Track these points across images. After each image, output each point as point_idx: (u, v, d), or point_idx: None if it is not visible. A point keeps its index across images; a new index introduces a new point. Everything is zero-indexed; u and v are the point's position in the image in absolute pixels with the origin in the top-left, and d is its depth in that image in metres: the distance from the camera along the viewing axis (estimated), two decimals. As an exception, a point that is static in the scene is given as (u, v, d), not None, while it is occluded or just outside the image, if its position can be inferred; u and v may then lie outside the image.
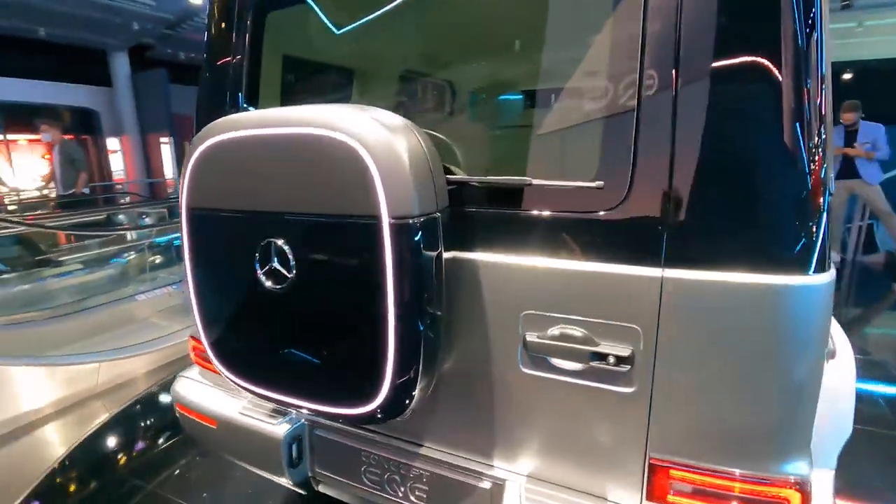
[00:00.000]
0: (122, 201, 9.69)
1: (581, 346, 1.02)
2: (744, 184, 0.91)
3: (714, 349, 0.94)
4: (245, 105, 1.48)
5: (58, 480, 2.35)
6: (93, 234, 5.60)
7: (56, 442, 2.69)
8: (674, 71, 0.92)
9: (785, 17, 0.86)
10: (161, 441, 2.66)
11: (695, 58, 0.91)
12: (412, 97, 1.50)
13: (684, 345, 0.96)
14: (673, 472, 1.02)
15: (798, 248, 0.89)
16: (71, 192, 6.11)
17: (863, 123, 5.42)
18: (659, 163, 0.94)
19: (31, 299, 4.40)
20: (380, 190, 0.96)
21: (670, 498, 1.03)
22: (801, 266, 0.88)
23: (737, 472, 0.97)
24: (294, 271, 1.09)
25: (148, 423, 2.94)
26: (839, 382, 1.41)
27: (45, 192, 8.02)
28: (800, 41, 0.86)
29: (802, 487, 0.95)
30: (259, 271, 1.13)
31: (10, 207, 8.25)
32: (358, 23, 1.42)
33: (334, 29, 1.44)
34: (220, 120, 1.17)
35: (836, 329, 1.78)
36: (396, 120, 1.06)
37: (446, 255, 1.09)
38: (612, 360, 1.00)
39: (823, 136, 0.90)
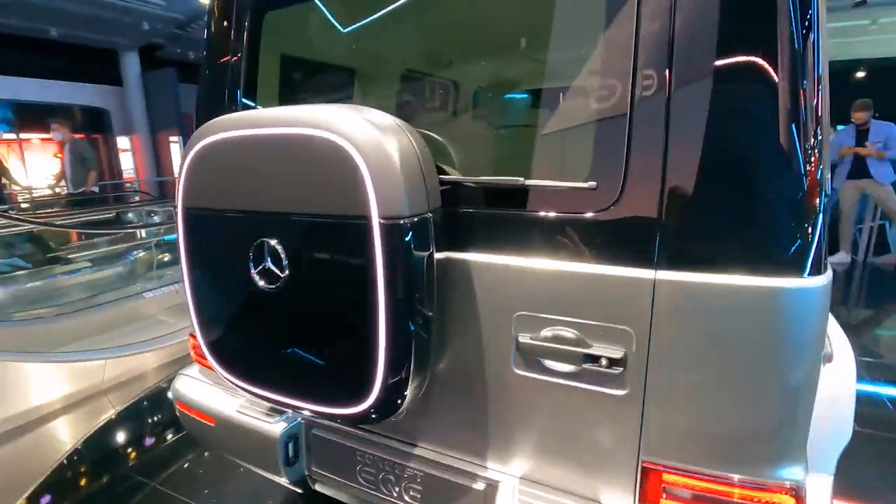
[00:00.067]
0: (132, 200, 9.80)
1: (573, 348, 1.01)
2: (737, 186, 0.89)
3: (707, 352, 0.93)
4: (243, 104, 1.49)
5: (65, 475, 2.38)
6: (101, 232, 5.67)
7: (63, 437, 2.73)
8: (667, 72, 0.91)
9: (781, 17, 0.85)
10: (165, 438, 2.69)
11: (689, 58, 0.90)
12: (407, 96, 1.50)
13: (677, 347, 0.95)
14: (665, 475, 1.01)
15: (793, 250, 0.87)
16: (81, 190, 6.19)
17: (875, 122, 5.33)
18: (651, 164, 0.93)
19: (41, 296, 4.47)
20: (370, 190, 0.96)
21: (663, 502, 1.02)
22: (795, 268, 0.87)
23: (730, 476, 0.96)
24: (287, 271, 1.10)
25: (152, 419, 2.97)
26: (838, 386, 1.39)
27: (57, 190, 8.13)
28: (796, 42, 0.85)
29: (797, 493, 0.93)
30: (252, 271, 1.14)
31: (24, 206, 8.38)
32: (360, 23, 1.42)
33: (339, 27, 1.44)
34: (214, 120, 1.17)
35: (836, 331, 1.75)
36: (388, 120, 1.05)
37: (439, 255, 1.09)
38: (604, 362, 0.99)
39: (819, 138, 0.88)
